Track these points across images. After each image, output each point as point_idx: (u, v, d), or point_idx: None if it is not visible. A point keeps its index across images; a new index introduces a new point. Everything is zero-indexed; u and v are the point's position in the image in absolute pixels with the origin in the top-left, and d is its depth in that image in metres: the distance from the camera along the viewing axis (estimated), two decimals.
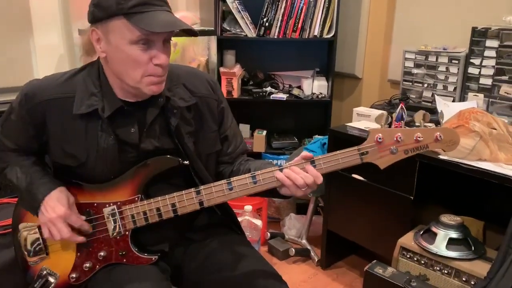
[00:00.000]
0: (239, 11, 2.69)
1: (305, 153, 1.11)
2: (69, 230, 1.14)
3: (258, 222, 2.37)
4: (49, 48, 2.49)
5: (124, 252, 1.19)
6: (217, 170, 1.32)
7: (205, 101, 1.25)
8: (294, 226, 2.69)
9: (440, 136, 1.11)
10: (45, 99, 1.14)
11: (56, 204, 1.13)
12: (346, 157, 1.11)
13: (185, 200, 1.14)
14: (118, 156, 1.16)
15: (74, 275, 1.20)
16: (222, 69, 2.79)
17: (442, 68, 2.28)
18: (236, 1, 2.68)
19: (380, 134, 1.10)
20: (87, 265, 1.19)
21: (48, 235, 1.17)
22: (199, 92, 1.25)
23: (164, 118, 1.18)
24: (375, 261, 1.78)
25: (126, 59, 1.05)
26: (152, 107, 1.16)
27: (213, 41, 2.72)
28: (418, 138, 1.10)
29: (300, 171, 1.09)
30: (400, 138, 1.10)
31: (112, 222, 1.18)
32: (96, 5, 1.05)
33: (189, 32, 1.11)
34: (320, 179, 1.09)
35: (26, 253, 1.24)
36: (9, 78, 2.33)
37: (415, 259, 1.74)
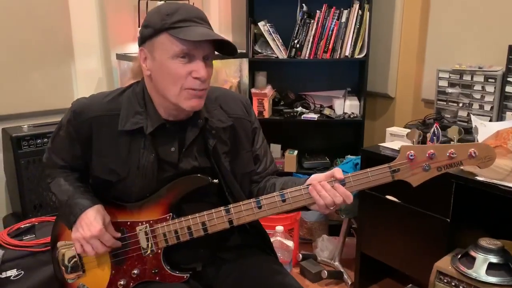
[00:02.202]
0: (270, 34, 2.73)
1: (336, 171, 1.11)
2: (103, 246, 1.17)
3: (290, 243, 2.35)
4: (89, 72, 2.61)
5: (156, 270, 1.21)
6: (249, 190, 1.34)
7: (240, 122, 1.29)
8: (326, 247, 2.65)
9: (474, 152, 1.07)
10: (92, 115, 1.19)
11: (92, 222, 1.16)
12: (377, 174, 1.09)
13: (215, 219, 1.15)
14: (157, 174, 1.19)
15: None
16: (253, 90, 2.83)
17: (477, 87, 2.22)
18: (267, 24, 2.73)
19: (412, 151, 1.08)
20: (122, 282, 1.22)
21: (80, 251, 1.20)
22: (235, 113, 1.29)
23: (202, 138, 1.22)
24: (410, 285, 1.73)
25: (168, 74, 1.10)
26: (192, 128, 1.20)
27: (245, 63, 2.78)
28: (452, 155, 1.07)
29: (331, 188, 1.08)
30: (432, 154, 1.08)
31: (145, 241, 1.20)
32: (145, 26, 1.12)
33: (227, 49, 1.14)
34: (350, 199, 1.08)
35: (64, 268, 1.27)
36: (51, 101, 2.45)
37: (453, 284, 1.67)
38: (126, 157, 1.18)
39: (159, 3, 2.49)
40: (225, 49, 1.15)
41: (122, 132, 1.18)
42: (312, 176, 1.14)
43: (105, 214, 1.20)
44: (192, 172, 1.21)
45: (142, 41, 1.14)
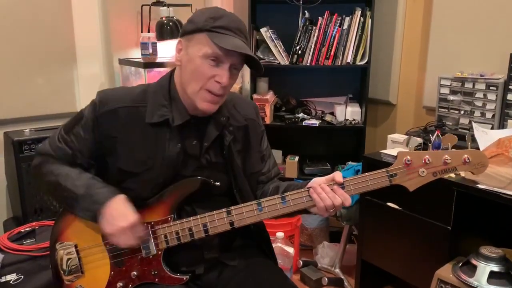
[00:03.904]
0: (272, 40, 2.74)
1: (336, 174, 1.13)
2: (134, 238, 1.16)
3: (290, 250, 2.35)
4: (91, 77, 2.62)
5: (156, 272, 1.21)
6: (255, 191, 1.36)
7: (252, 123, 1.35)
8: (327, 254, 2.64)
9: (468, 159, 1.12)
10: (118, 106, 1.21)
11: (126, 212, 1.15)
12: (375, 178, 1.13)
13: (216, 221, 1.17)
14: (180, 166, 1.22)
15: None
16: (255, 96, 2.84)
17: (479, 94, 2.23)
18: (269, 30, 2.75)
19: (408, 156, 1.12)
20: (120, 284, 1.22)
21: (118, 243, 1.17)
22: (248, 115, 1.35)
23: (220, 135, 1.26)
24: None
25: (195, 70, 1.16)
26: (215, 124, 1.24)
27: (246, 69, 2.77)
28: (447, 161, 1.12)
29: (330, 191, 1.12)
30: (428, 160, 1.12)
31: (146, 242, 1.20)
32: (189, 21, 1.20)
33: (255, 66, 1.22)
34: (348, 201, 1.11)
35: (62, 272, 1.27)
36: (53, 105, 2.46)
37: None
38: (153, 148, 1.21)
39: (162, 8, 2.51)
40: (253, 65, 1.22)
41: (148, 124, 1.21)
42: (314, 179, 1.17)
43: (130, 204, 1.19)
44: (207, 167, 1.24)
45: (183, 33, 1.20)
